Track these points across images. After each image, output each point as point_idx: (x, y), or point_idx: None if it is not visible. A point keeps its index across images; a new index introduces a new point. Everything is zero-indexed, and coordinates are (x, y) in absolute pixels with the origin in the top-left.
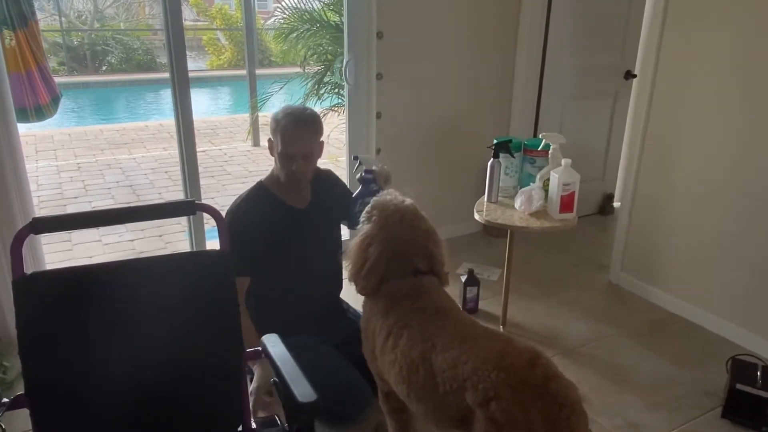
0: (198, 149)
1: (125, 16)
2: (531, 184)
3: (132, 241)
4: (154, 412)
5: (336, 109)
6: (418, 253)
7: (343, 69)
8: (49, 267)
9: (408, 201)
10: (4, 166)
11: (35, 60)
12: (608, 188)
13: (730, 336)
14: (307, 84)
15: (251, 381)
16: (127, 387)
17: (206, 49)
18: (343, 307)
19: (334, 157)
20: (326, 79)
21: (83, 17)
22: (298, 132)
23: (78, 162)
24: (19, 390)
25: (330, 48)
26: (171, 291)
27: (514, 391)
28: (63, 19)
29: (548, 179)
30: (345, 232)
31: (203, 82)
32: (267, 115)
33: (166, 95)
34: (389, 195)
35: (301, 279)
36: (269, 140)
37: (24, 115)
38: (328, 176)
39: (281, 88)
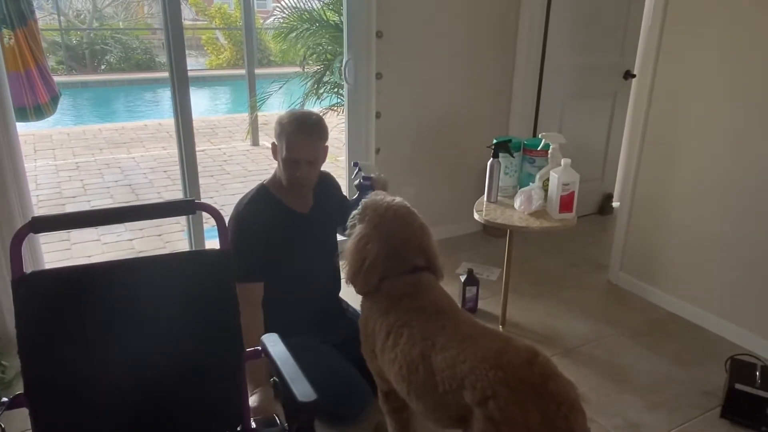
0: (197, 148)
1: (124, 15)
2: (530, 183)
3: (131, 240)
4: (154, 412)
5: (335, 108)
6: (414, 249)
7: (342, 68)
8: (47, 266)
9: (398, 199)
10: (3, 166)
11: (34, 59)
12: (607, 188)
13: (730, 336)
14: (306, 83)
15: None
16: (127, 386)
17: (205, 48)
18: (342, 307)
19: (333, 156)
20: (325, 79)
21: (82, 16)
22: (303, 138)
23: (77, 161)
24: (19, 389)
25: (329, 47)
26: (171, 290)
27: (512, 389)
28: (62, 18)
29: (548, 179)
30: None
31: (202, 81)
32: (266, 114)
33: (165, 94)
34: (378, 195)
35: (300, 279)
36: (273, 144)
37: (23, 115)
38: (328, 180)
39: (280, 87)
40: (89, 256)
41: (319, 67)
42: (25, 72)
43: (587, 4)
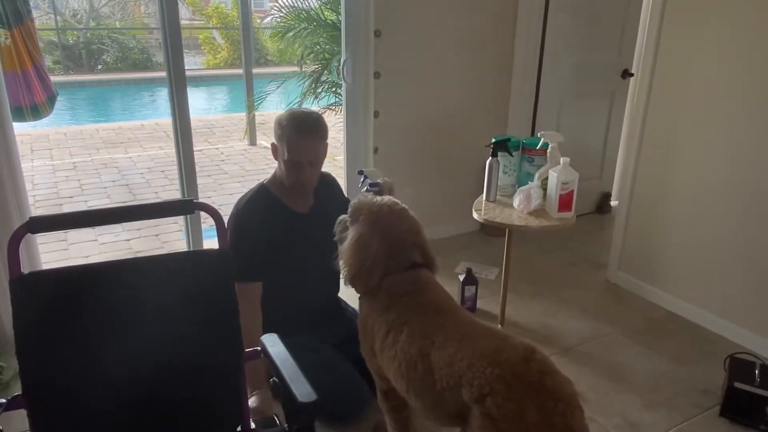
0: (195, 148)
1: (121, 14)
2: (529, 182)
3: (128, 240)
4: (153, 413)
5: (333, 108)
6: (411, 245)
7: (340, 68)
8: (45, 267)
9: (387, 197)
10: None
11: (31, 58)
12: (605, 187)
13: (728, 334)
14: (304, 83)
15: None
16: (126, 387)
17: (202, 48)
18: (341, 306)
19: (331, 156)
20: (323, 78)
21: (78, 16)
22: (304, 140)
23: (74, 161)
24: (16, 390)
25: (327, 47)
26: (170, 290)
27: (509, 386)
28: (58, 17)
29: (547, 178)
30: None
31: (200, 81)
32: (264, 114)
33: (162, 94)
34: (367, 196)
35: (299, 279)
36: (273, 144)
37: (20, 114)
38: (331, 182)
39: (278, 87)
40: (87, 257)
41: (316, 66)
42: (22, 71)
43: (585, 4)
